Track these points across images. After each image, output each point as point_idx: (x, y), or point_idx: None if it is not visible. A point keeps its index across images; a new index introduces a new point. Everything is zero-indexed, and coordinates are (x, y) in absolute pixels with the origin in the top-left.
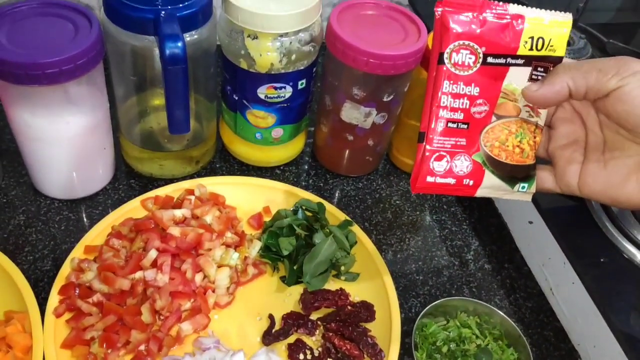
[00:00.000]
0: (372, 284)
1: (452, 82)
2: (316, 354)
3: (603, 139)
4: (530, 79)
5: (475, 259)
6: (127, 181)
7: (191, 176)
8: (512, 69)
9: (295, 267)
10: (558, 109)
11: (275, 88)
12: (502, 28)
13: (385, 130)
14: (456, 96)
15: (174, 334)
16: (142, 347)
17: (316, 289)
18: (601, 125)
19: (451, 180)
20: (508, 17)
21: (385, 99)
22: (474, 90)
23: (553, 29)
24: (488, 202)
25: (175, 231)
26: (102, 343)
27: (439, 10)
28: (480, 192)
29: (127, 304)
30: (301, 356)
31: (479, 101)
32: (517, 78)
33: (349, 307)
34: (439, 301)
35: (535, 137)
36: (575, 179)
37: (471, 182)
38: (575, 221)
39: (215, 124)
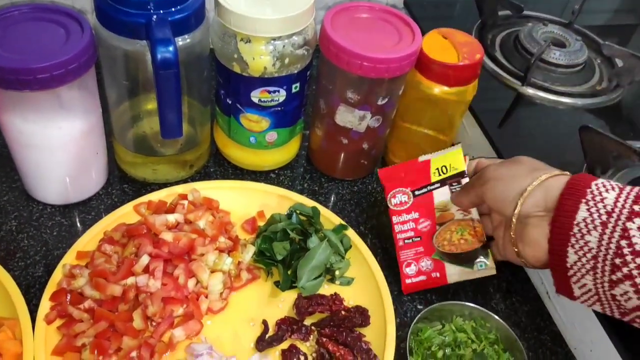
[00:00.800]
0: (366, 288)
1: (398, 215)
2: None
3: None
4: (451, 192)
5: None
6: (121, 186)
7: (185, 180)
8: (435, 192)
9: (289, 272)
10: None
11: (269, 92)
12: (418, 171)
13: (380, 134)
14: (404, 223)
15: (166, 340)
16: (133, 354)
17: (310, 294)
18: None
19: (423, 277)
20: (418, 162)
21: (379, 102)
22: (415, 215)
23: (450, 157)
24: None
25: (167, 236)
26: (94, 350)
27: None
28: (450, 279)
29: (119, 310)
30: None
31: (421, 220)
32: (441, 195)
33: (343, 312)
34: (434, 305)
35: (475, 228)
36: (499, 253)
37: (438, 274)
38: None
39: (209, 128)
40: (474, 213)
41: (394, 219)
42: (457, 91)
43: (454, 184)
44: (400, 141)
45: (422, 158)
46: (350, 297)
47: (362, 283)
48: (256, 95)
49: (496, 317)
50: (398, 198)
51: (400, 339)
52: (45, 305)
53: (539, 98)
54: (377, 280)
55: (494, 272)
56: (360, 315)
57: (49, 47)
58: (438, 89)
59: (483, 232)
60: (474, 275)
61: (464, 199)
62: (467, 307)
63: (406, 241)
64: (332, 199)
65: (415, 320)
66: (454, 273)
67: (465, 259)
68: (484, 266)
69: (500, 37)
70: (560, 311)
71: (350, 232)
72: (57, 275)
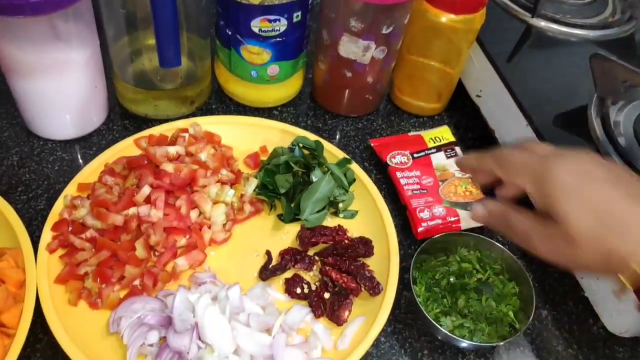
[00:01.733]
0: (370, 221)
1: (400, 172)
2: (313, 288)
3: None
4: (446, 157)
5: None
6: (122, 122)
7: (186, 117)
8: (432, 155)
9: (292, 205)
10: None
11: (270, 21)
12: (411, 140)
13: (385, 66)
14: (408, 177)
15: (170, 270)
16: (136, 282)
17: (314, 226)
18: None
19: (438, 221)
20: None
21: (384, 32)
22: (417, 172)
23: (439, 132)
24: (491, 140)
25: (168, 167)
26: (96, 278)
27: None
28: (465, 224)
29: (121, 240)
30: (298, 290)
31: (424, 177)
32: (438, 159)
33: (347, 242)
34: (438, 235)
35: (475, 183)
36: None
37: (453, 219)
38: None
39: (210, 63)
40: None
41: (397, 174)
42: (465, 19)
43: (448, 150)
44: (407, 75)
45: (412, 133)
46: (354, 229)
47: (366, 216)
48: (256, 25)
49: (502, 247)
50: (398, 158)
51: (404, 270)
52: (47, 234)
53: (549, 30)
54: (381, 212)
55: None
56: (364, 246)
57: None
58: (445, 17)
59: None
60: None
61: (479, 162)
62: (472, 238)
63: (414, 191)
64: (337, 135)
65: (418, 250)
66: (467, 218)
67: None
68: None
69: None
70: None
71: (354, 166)
72: (59, 206)
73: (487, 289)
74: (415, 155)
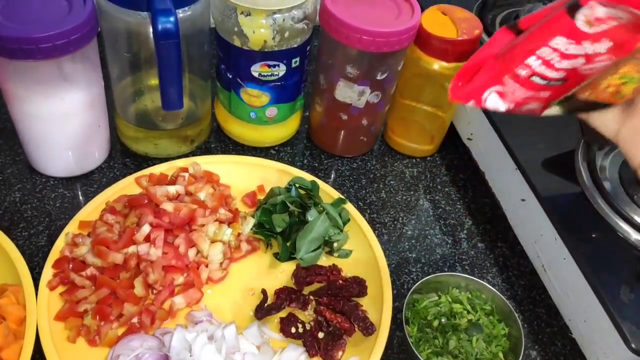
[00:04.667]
0: (364, 260)
1: (572, 41)
2: (308, 328)
3: None
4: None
5: (468, 238)
6: (123, 160)
7: (186, 156)
8: None
9: (288, 244)
10: None
11: (269, 66)
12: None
13: (379, 110)
14: (564, 56)
15: (167, 308)
16: (134, 320)
17: (309, 265)
18: None
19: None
20: None
21: (379, 77)
22: (601, 47)
23: None
24: (482, 182)
25: (168, 206)
26: (95, 315)
27: None
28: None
29: (120, 278)
30: (293, 329)
31: (601, 58)
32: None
33: (341, 282)
34: (430, 276)
35: None
36: None
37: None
38: (568, 198)
39: (210, 104)
40: None
41: (558, 40)
42: (456, 67)
43: None
44: (400, 118)
45: None
46: (348, 269)
47: (360, 255)
48: (256, 70)
49: (491, 288)
50: (603, 11)
51: (397, 310)
52: (48, 271)
53: None
54: (375, 252)
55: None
56: (358, 285)
57: (51, 17)
58: (437, 65)
59: None
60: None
61: None
62: (463, 279)
63: (533, 78)
64: (332, 175)
65: (411, 291)
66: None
67: (588, 107)
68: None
69: (501, 17)
70: (555, 282)
71: (349, 206)
72: (60, 243)
73: (477, 330)
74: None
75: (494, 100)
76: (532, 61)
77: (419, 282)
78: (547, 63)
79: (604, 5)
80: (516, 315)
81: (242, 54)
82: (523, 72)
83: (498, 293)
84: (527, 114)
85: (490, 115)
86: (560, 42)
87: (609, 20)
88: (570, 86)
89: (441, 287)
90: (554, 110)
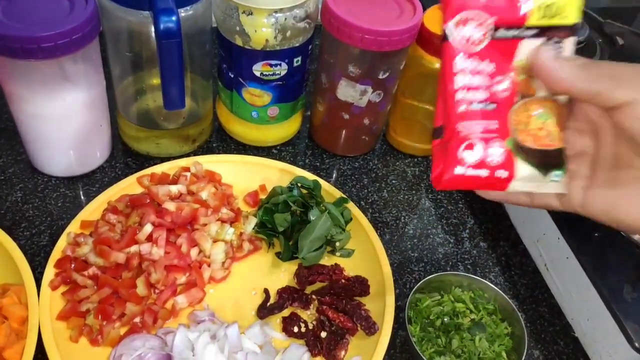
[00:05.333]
0: (366, 260)
1: (466, 56)
2: (310, 327)
3: (615, 154)
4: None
5: (470, 237)
6: (124, 160)
7: (188, 155)
8: (523, 41)
9: (290, 243)
10: (570, 117)
11: (271, 65)
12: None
13: (381, 109)
14: (474, 72)
15: (169, 307)
16: (137, 320)
17: (311, 265)
18: (616, 138)
19: (484, 172)
20: None
21: (381, 77)
22: (490, 67)
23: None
24: None
25: (170, 206)
26: (98, 315)
27: None
28: (512, 186)
29: (123, 277)
30: (295, 329)
31: (499, 78)
32: (530, 50)
33: (343, 281)
34: (432, 276)
35: (561, 118)
36: (578, 197)
37: (505, 174)
38: None
39: (212, 103)
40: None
41: (458, 62)
42: None
43: (554, 39)
44: (402, 117)
45: None
46: (351, 268)
47: (362, 255)
48: (258, 69)
49: (494, 287)
50: (468, 29)
51: (400, 309)
52: (50, 271)
53: None
54: (377, 252)
55: (564, 190)
56: (360, 285)
57: (53, 17)
58: (439, 64)
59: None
60: (544, 188)
61: (566, 71)
62: (466, 278)
63: (474, 106)
64: (334, 174)
65: (413, 291)
66: (524, 178)
67: (543, 158)
68: (559, 177)
69: None
70: (557, 281)
71: (351, 205)
72: (62, 243)
73: (480, 329)
74: (502, 31)
75: (469, 155)
76: (460, 95)
77: (422, 282)
78: (465, 87)
79: (463, 24)
80: (519, 314)
81: (243, 53)
82: (462, 108)
83: (501, 292)
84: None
85: None
86: (459, 61)
87: (478, 43)
88: (504, 111)
89: (444, 286)
90: (526, 171)
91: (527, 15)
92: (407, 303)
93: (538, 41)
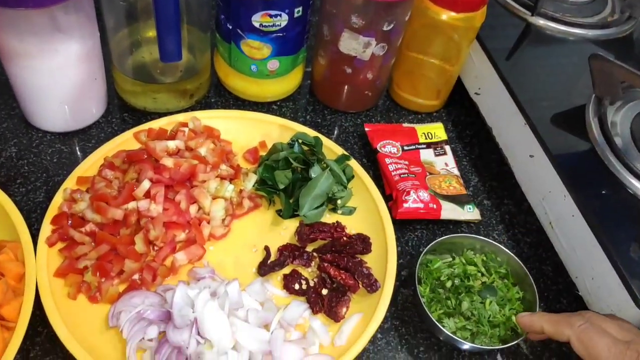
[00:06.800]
0: (368, 217)
1: (389, 159)
2: (311, 284)
3: None
4: (434, 155)
5: (474, 195)
6: (121, 115)
7: (185, 111)
8: (421, 150)
9: (291, 201)
10: None
11: (271, 16)
12: (404, 132)
13: (384, 63)
14: (396, 164)
15: (169, 265)
16: (136, 277)
17: (312, 222)
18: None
19: (420, 205)
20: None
21: (385, 29)
22: (404, 162)
23: (433, 127)
24: (488, 137)
25: (168, 162)
26: (96, 272)
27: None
28: (444, 214)
29: (121, 234)
30: (296, 286)
31: (412, 166)
32: (427, 155)
33: (345, 239)
34: (445, 237)
35: (459, 179)
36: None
37: (435, 206)
38: (578, 154)
39: (209, 57)
40: (456, 170)
41: (387, 160)
42: (465, 17)
43: (438, 148)
44: (406, 72)
45: (406, 125)
46: (352, 226)
47: (364, 212)
48: (257, 20)
49: (507, 251)
50: (388, 148)
51: (401, 267)
52: (46, 228)
53: (548, 29)
54: (380, 209)
55: (479, 218)
56: (362, 243)
57: None
58: (445, 15)
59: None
60: (463, 216)
61: (536, 325)
62: (479, 241)
63: (402, 175)
64: (335, 131)
65: (424, 251)
66: (448, 209)
67: (456, 200)
68: (472, 209)
69: None
70: (562, 239)
71: (353, 163)
72: (58, 199)
73: (491, 293)
74: (406, 147)
75: (408, 197)
76: (393, 172)
77: (433, 243)
78: (395, 170)
79: (384, 147)
80: (531, 279)
81: (242, 3)
82: (397, 178)
83: (514, 256)
84: None
85: (499, 68)
86: (388, 160)
87: (395, 154)
88: (421, 179)
89: (455, 248)
90: (448, 205)
91: (418, 138)
92: (418, 264)
93: (429, 150)
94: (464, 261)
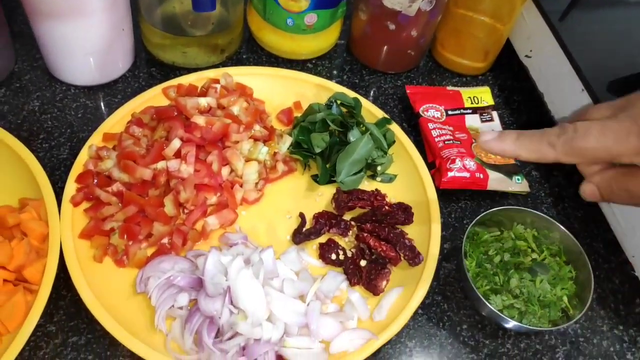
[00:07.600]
0: (410, 186)
1: (432, 124)
2: (349, 255)
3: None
4: (481, 121)
5: (522, 165)
6: (148, 69)
7: (215, 66)
8: (467, 116)
9: (328, 166)
10: None
11: None
12: (449, 96)
13: (431, 19)
14: (440, 129)
15: (199, 229)
16: (165, 240)
17: (350, 189)
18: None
19: (466, 174)
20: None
21: None
22: (449, 128)
23: (479, 92)
24: (539, 104)
25: (200, 120)
26: (123, 234)
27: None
28: (491, 185)
29: (149, 195)
30: (333, 256)
31: (457, 132)
32: (473, 121)
33: (387, 208)
34: (493, 210)
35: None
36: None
37: (482, 176)
38: None
39: (242, 9)
40: None
41: (430, 125)
42: None
43: (485, 114)
44: (453, 30)
45: (450, 88)
46: (392, 194)
47: (405, 181)
48: None
49: (562, 227)
50: (431, 112)
51: (444, 240)
52: (71, 186)
53: None
54: (422, 177)
55: (527, 190)
56: (403, 213)
57: None
58: None
59: None
60: (511, 187)
61: (514, 151)
62: (530, 214)
63: (446, 142)
64: (373, 92)
65: (473, 223)
66: (495, 179)
67: (504, 170)
68: (521, 180)
69: None
70: (619, 216)
71: (394, 127)
72: (83, 156)
73: (542, 270)
74: (450, 112)
75: (454, 165)
76: (437, 138)
77: (482, 215)
78: (439, 135)
79: (426, 111)
80: (586, 257)
81: None
82: (440, 145)
83: (568, 233)
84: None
85: (556, 29)
86: (430, 125)
87: (439, 118)
88: (466, 146)
89: (504, 221)
90: (495, 175)
91: (464, 102)
92: (465, 236)
93: (475, 116)
94: (513, 236)
